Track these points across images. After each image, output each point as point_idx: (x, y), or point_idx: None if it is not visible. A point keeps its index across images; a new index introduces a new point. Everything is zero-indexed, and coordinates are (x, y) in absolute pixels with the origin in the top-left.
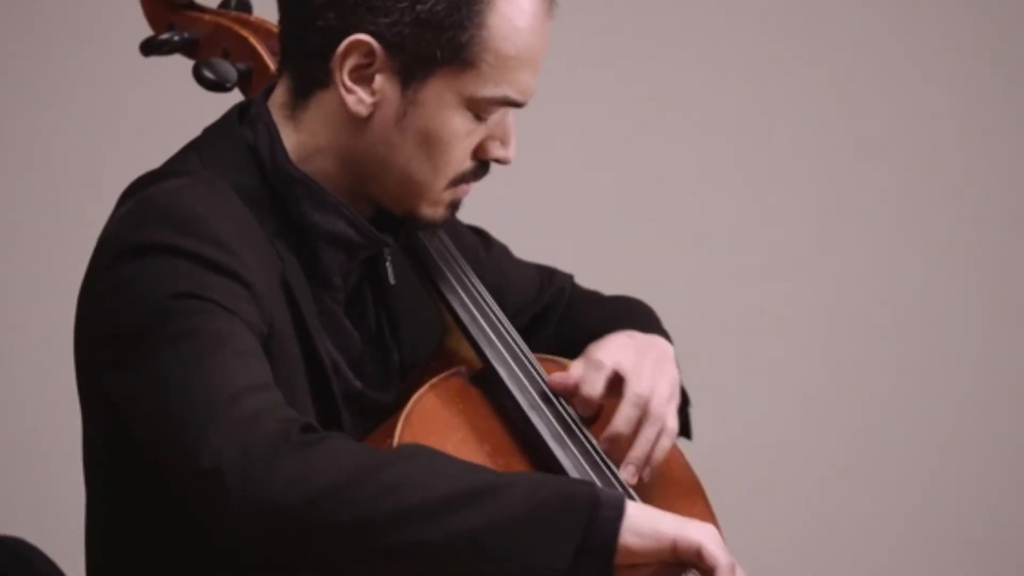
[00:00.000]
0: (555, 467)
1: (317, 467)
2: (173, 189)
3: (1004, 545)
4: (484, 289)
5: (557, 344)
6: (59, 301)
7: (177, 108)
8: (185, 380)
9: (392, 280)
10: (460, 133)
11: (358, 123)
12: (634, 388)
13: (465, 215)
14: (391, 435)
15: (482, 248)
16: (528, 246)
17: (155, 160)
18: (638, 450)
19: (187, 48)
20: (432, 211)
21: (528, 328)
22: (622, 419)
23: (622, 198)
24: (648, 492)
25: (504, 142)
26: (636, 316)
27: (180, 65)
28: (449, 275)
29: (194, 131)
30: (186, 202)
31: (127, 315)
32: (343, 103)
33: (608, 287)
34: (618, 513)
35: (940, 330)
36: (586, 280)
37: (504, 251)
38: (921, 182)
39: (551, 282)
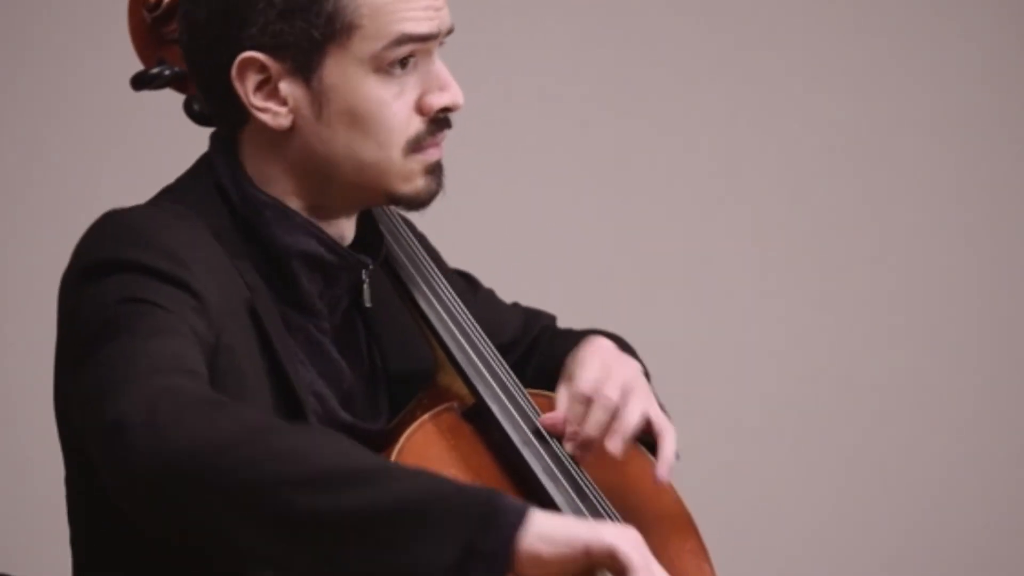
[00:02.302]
0: (548, 503)
1: (216, 424)
2: (127, 209)
3: (1006, 548)
4: (476, 325)
5: (536, 376)
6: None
7: (167, 143)
8: (112, 363)
9: (368, 303)
10: (383, 98)
11: (287, 136)
12: (605, 391)
13: (464, 215)
14: None
15: (470, 291)
16: (525, 250)
17: (145, 195)
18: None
19: (177, 83)
20: (410, 186)
21: (516, 365)
22: (593, 424)
23: (618, 204)
24: (641, 527)
25: (442, 88)
26: (612, 340)
27: (171, 99)
28: (441, 311)
29: (184, 165)
30: (137, 219)
31: (77, 334)
32: (266, 127)
33: (606, 298)
34: (518, 519)
35: (940, 337)
36: (586, 290)
37: (491, 294)
38: (920, 183)
39: (537, 320)
